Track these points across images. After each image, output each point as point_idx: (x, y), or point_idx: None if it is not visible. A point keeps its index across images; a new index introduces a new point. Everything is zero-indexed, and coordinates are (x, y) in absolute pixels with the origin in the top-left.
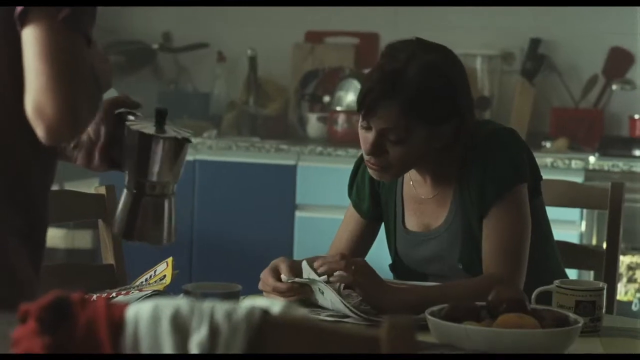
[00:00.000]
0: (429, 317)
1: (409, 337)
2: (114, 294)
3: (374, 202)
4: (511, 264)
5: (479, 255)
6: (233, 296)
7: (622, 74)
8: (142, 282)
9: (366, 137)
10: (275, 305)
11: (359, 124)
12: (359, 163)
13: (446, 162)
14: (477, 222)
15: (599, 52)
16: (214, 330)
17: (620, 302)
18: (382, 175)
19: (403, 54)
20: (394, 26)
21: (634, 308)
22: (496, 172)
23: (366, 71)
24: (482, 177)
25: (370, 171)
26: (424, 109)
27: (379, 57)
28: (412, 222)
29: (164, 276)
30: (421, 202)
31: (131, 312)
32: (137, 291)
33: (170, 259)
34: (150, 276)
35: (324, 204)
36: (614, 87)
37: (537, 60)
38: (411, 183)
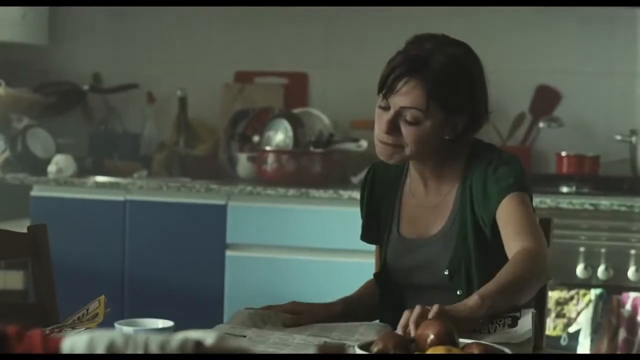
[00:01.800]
0: (359, 350)
1: None
2: (47, 332)
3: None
4: (535, 238)
5: (467, 263)
6: (166, 332)
7: (549, 112)
8: (74, 320)
9: (383, 116)
10: (208, 336)
11: (377, 106)
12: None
13: (449, 170)
14: (474, 231)
15: (526, 90)
16: None
17: (549, 337)
18: (393, 155)
19: (429, 43)
20: (323, 66)
21: (562, 342)
22: (502, 177)
23: (296, 111)
24: (488, 180)
25: (380, 151)
26: (444, 93)
27: (405, 44)
28: (407, 230)
29: (97, 314)
30: (419, 210)
31: (67, 344)
32: (70, 329)
33: (102, 297)
34: (83, 314)
35: (254, 243)
36: (541, 124)
37: None
38: (410, 191)
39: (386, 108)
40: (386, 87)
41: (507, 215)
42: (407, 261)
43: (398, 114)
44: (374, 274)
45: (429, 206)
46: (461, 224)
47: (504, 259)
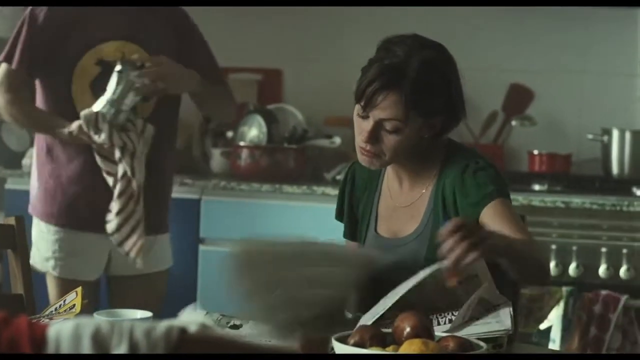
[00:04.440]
0: (336, 342)
1: (323, 352)
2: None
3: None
4: (526, 234)
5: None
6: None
7: (521, 110)
8: (51, 311)
9: (363, 126)
10: (192, 323)
11: (355, 113)
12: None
13: (424, 171)
14: None
15: (499, 89)
16: (133, 348)
17: (521, 333)
18: (373, 162)
19: (401, 49)
20: (297, 62)
21: (533, 339)
22: (482, 183)
23: (270, 107)
24: (466, 185)
25: (362, 158)
26: (422, 101)
27: (376, 51)
28: (383, 228)
29: (74, 305)
30: (394, 209)
31: (53, 330)
32: (47, 320)
33: (79, 289)
34: (60, 305)
35: (227, 238)
36: (514, 123)
37: None
38: (388, 191)
39: (364, 117)
40: (364, 100)
41: (498, 219)
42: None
43: (378, 124)
44: None
45: (404, 205)
46: (434, 225)
47: None
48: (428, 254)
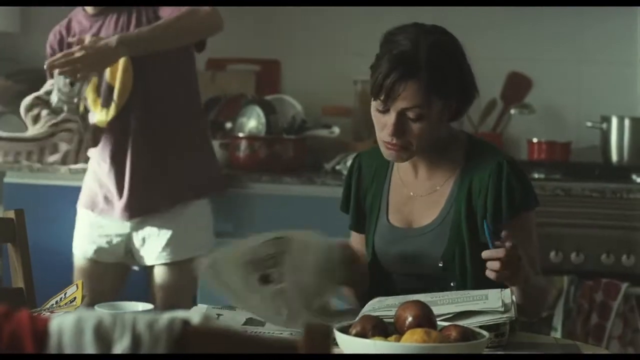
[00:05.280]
0: (338, 333)
1: (325, 344)
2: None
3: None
4: (537, 253)
5: (461, 255)
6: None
7: (520, 99)
8: (52, 304)
9: (384, 120)
10: (195, 315)
11: (374, 109)
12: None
13: (444, 161)
14: (468, 225)
15: (497, 77)
16: (136, 340)
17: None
18: (401, 155)
19: (406, 38)
20: (295, 53)
21: (535, 328)
22: (517, 189)
23: (268, 97)
24: (500, 194)
25: (388, 153)
26: (439, 84)
27: (380, 46)
28: (396, 218)
29: (74, 298)
30: (409, 199)
31: (55, 324)
32: (48, 313)
33: (80, 282)
34: (61, 299)
35: (226, 230)
36: (513, 111)
37: None
38: (400, 180)
39: (385, 111)
40: (384, 93)
41: (520, 234)
42: (397, 250)
43: (401, 115)
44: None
45: (421, 195)
46: (455, 217)
47: None
48: (449, 246)
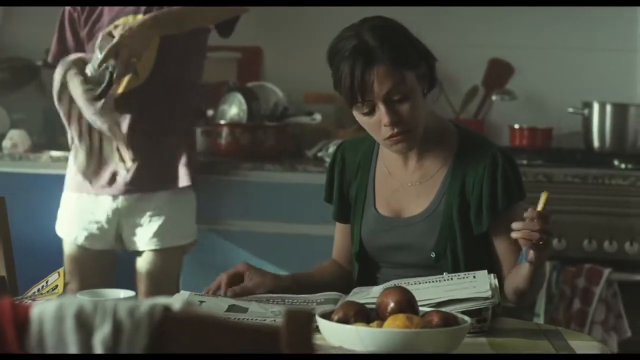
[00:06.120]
0: (320, 319)
1: (307, 330)
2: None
3: (344, 206)
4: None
5: (453, 246)
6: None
7: (501, 85)
8: (34, 292)
9: (375, 119)
10: (176, 301)
11: (361, 117)
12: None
13: (435, 150)
14: (460, 216)
15: (479, 63)
16: (117, 327)
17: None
18: (409, 142)
19: (349, 37)
20: (276, 40)
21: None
22: (511, 183)
23: (250, 85)
24: (496, 185)
25: (396, 147)
26: (399, 55)
27: (328, 55)
28: (384, 208)
29: (56, 286)
30: (397, 188)
31: (36, 311)
32: (30, 301)
33: (61, 270)
34: (43, 286)
35: (208, 217)
36: (494, 97)
37: None
38: (386, 170)
39: (370, 112)
40: (359, 92)
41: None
42: (386, 239)
43: (387, 102)
44: (354, 254)
45: (410, 185)
46: (447, 207)
47: (486, 244)
48: (440, 236)
